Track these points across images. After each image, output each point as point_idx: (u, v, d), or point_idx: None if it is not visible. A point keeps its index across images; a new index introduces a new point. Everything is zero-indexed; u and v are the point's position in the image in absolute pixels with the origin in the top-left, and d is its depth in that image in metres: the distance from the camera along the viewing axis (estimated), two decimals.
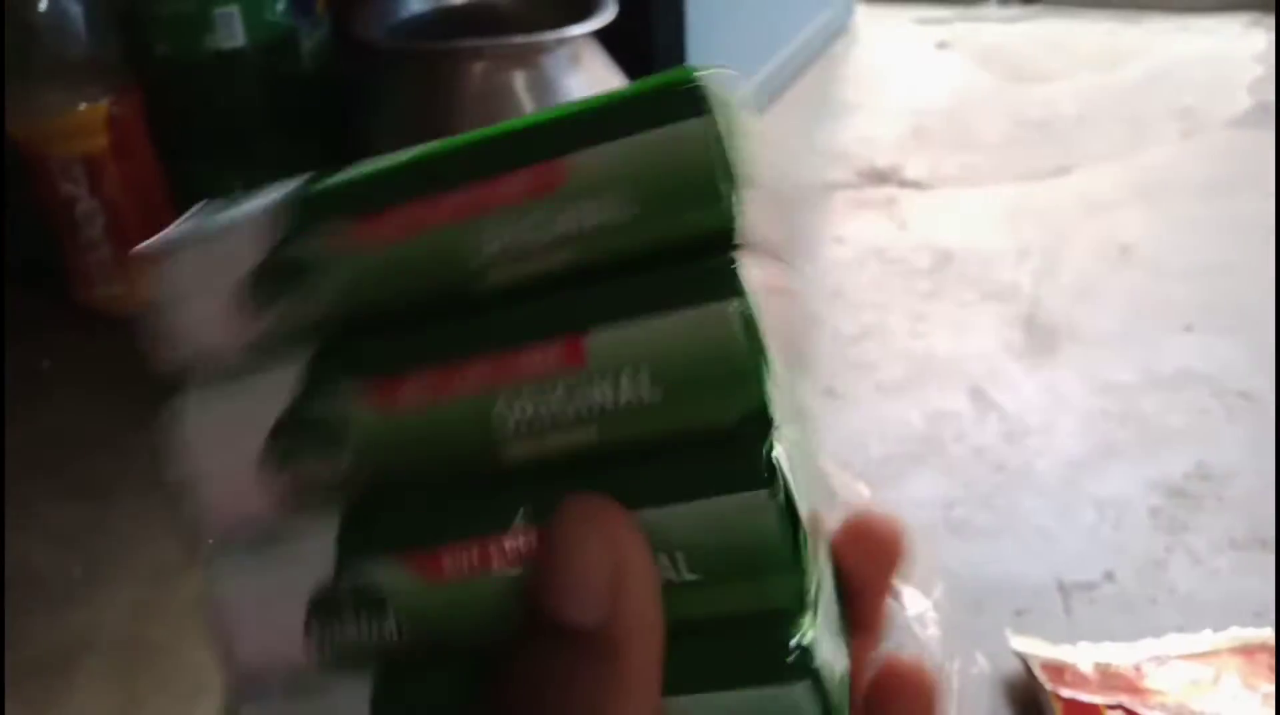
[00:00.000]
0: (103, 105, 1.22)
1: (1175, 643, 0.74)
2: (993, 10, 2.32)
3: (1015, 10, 2.32)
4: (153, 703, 0.81)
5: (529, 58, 1.28)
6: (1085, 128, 1.68)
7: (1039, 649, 0.74)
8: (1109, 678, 0.72)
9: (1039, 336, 1.15)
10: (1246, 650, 0.74)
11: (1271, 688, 0.70)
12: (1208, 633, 0.75)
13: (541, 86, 1.29)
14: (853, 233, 1.42)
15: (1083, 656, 0.73)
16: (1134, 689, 0.70)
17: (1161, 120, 1.69)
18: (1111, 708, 0.69)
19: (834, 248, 1.38)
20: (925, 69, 2.00)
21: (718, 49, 1.57)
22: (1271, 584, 0.81)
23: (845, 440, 1.01)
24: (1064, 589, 0.82)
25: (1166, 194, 1.45)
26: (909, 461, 0.97)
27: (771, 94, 1.86)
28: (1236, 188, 1.45)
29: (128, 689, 0.82)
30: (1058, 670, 0.72)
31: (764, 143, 0.26)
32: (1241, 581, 0.81)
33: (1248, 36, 2.04)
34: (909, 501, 0.93)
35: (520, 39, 1.28)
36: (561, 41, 1.28)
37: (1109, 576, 0.83)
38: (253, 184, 0.29)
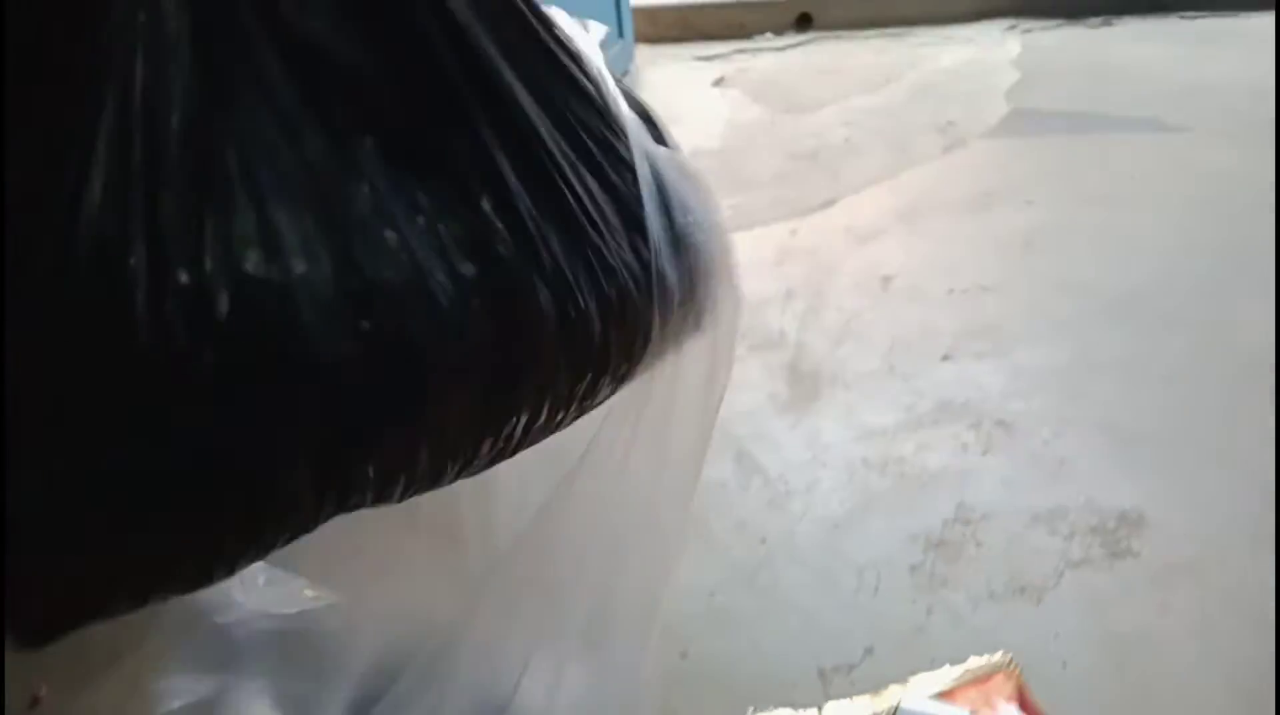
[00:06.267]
0: None
1: (918, 682, 0.70)
2: (768, 40, 2.34)
3: (790, 38, 2.34)
4: None
5: None
6: (852, 154, 1.68)
7: None
8: None
9: (802, 385, 1.11)
10: (979, 680, 0.71)
11: (1010, 707, 0.69)
12: (946, 668, 0.72)
13: None
14: None
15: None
16: None
17: (925, 136, 1.70)
18: None
19: None
20: (702, 107, 1.98)
21: None
22: (1028, 632, 0.78)
23: None
24: (823, 674, 0.77)
25: (926, 216, 1.45)
26: None
27: None
28: (992, 203, 1.46)
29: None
30: None
31: None
32: (1001, 637, 0.78)
33: (1004, 44, 2.10)
34: (671, 593, 0.86)
35: None
36: None
37: (869, 652, 0.78)
38: None
